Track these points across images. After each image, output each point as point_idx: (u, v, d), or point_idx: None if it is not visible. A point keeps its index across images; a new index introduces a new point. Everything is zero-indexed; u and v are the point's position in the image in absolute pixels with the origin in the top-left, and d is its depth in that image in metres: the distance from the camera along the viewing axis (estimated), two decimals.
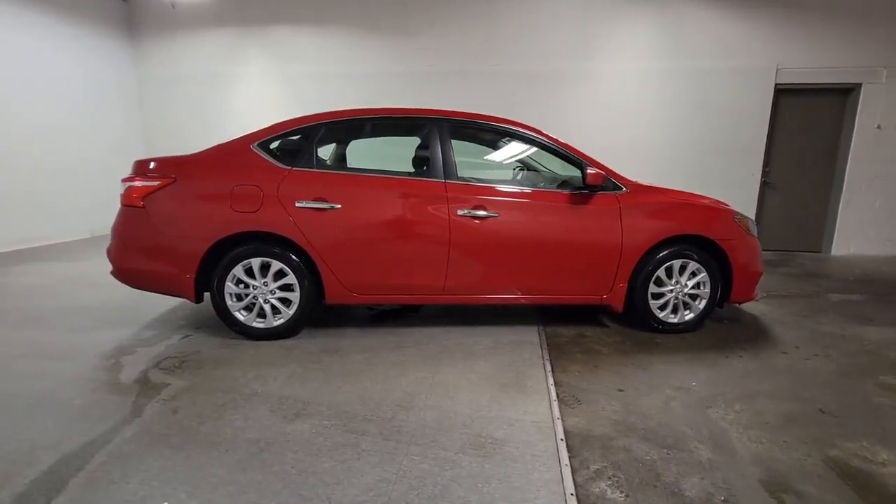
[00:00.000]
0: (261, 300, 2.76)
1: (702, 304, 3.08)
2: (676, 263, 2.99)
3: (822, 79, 5.81)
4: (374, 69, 6.45)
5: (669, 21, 5.88)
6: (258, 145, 2.78)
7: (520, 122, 3.05)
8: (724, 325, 3.29)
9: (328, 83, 6.56)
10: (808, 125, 6.06)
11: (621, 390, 2.31)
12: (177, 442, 1.80)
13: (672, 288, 3.03)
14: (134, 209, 2.68)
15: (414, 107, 3.04)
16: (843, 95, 5.92)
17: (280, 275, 2.74)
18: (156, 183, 2.66)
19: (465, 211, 2.78)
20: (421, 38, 6.32)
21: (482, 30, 6.20)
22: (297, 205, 2.68)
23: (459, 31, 6.24)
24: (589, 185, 2.81)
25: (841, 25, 5.66)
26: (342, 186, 2.75)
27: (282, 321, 2.80)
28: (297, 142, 2.86)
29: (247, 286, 2.74)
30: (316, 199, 2.70)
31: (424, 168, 2.90)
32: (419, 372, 2.45)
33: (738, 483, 1.64)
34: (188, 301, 2.80)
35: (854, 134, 5.86)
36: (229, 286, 2.72)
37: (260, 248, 2.69)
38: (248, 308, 2.78)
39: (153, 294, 2.97)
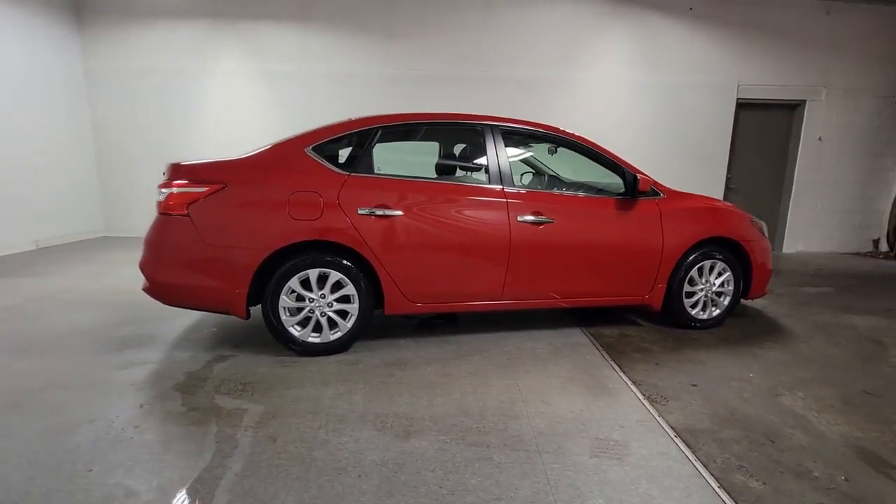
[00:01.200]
0: (317, 313, 2.60)
1: (726, 301, 3.32)
2: (707, 264, 3.21)
3: (774, 95, 6.50)
4: (361, 70, 6.29)
5: (648, 37, 6.29)
6: (313, 149, 2.62)
7: (565, 129, 3.13)
8: (738, 321, 3.57)
9: (311, 83, 6.30)
10: (763, 136, 6.74)
11: (694, 385, 2.44)
12: (298, 472, 1.65)
13: (703, 287, 3.24)
14: (176, 218, 2.42)
15: (465, 112, 3.00)
16: (792, 110, 6.67)
17: (337, 286, 2.60)
18: (203, 189, 2.42)
19: (525, 217, 2.81)
20: (410, 40, 6.26)
21: (471, 35, 6.27)
22: (359, 212, 2.56)
23: (449, 36, 6.26)
24: (639, 191, 2.94)
25: (790, 50, 6.37)
26: (403, 193, 2.66)
27: (339, 335, 2.65)
28: (353, 146, 2.73)
29: (302, 299, 2.57)
30: (378, 206, 2.59)
31: (480, 174, 2.88)
32: (501, 380, 2.43)
33: (844, 463, 1.80)
34: (197, 315, 2.57)
35: (800, 144, 6.61)
36: (284, 300, 2.53)
37: (319, 257, 2.53)
38: (302, 323, 2.61)
39: (152, 311, 2.70)
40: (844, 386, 2.49)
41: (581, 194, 3.04)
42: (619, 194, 3.08)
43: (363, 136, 2.72)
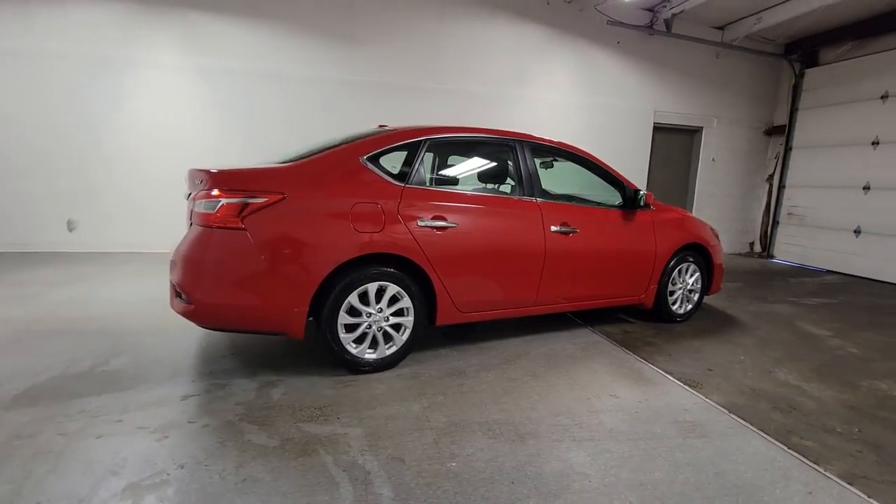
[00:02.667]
0: (374, 329, 2.51)
1: (696, 297, 3.91)
2: (684, 266, 3.75)
3: (680, 121, 7.67)
4: (314, 73, 6.02)
5: (585, 64, 7.01)
6: (367, 159, 2.54)
7: (578, 147, 3.43)
8: (698, 314, 4.19)
9: (257, 82, 5.84)
10: (672, 155, 7.90)
11: (710, 370, 2.87)
12: (452, 486, 1.64)
13: (681, 286, 3.78)
14: (228, 231, 2.17)
15: (500, 128, 3.13)
16: (692, 135, 7.93)
17: (392, 299, 2.55)
18: (262, 200, 2.21)
19: (556, 227, 3.03)
20: (367, 47, 6.17)
21: (428, 47, 6.38)
22: (419, 224, 2.54)
23: (407, 46, 6.30)
24: (644, 203, 3.36)
25: (692, 85, 7.59)
26: (455, 204, 2.71)
27: (394, 349, 2.59)
28: (404, 156, 2.70)
29: (358, 314, 2.47)
30: (434, 218, 2.60)
31: (516, 186, 3.04)
32: (560, 379, 2.60)
33: (850, 418, 2.31)
34: (183, 339, 2.37)
35: (699, 163, 7.89)
36: (343, 316, 2.41)
37: (379, 271, 2.46)
38: (358, 339, 2.50)
39: (121, 339, 2.47)
40: (808, 361, 3.12)
41: (594, 206, 3.36)
42: (617, 206, 3.47)
43: (413, 147, 2.71)
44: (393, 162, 2.68)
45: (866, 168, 6.48)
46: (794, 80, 7.60)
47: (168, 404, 2.13)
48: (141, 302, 3.62)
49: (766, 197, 8.19)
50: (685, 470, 1.81)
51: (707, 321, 3.96)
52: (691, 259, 3.79)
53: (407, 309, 2.59)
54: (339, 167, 2.48)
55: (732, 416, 2.27)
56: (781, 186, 7.82)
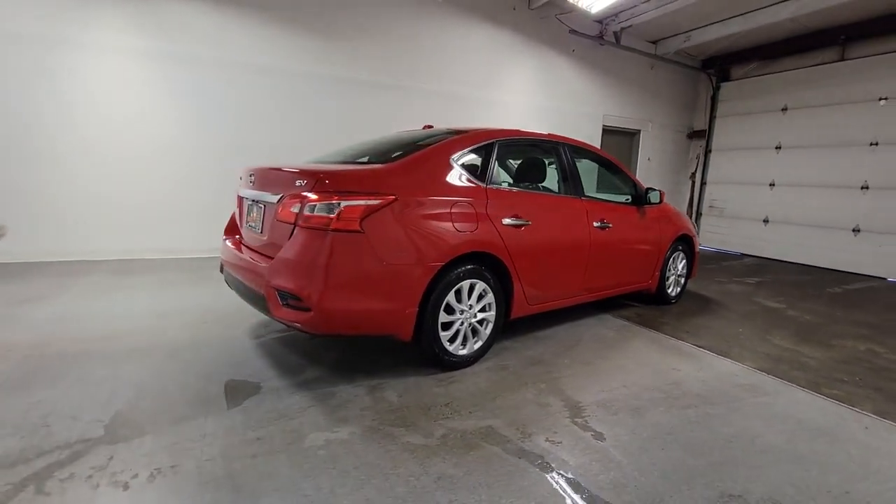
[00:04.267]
0: (465, 325, 2.60)
1: (682, 281, 4.50)
2: (676, 255, 4.30)
3: (622, 125, 8.52)
4: (291, 66, 5.71)
5: (545, 69, 7.47)
6: (455, 159, 2.59)
7: (600, 149, 3.76)
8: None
9: (228, 73, 5.39)
10: (617, 155, 8.71)
11: (726, 341, 3.37)
12: (627, 458, 1.83)
13: (674, 272, 4.32)
14: (347, 235, 2.11)
15: (548, 132, 3.33)
16: (632, 137, 8.84)
17: (479, 296, 2.65)
18: (378, 202, 2.18)
19: (597, 223, 3.33)
20: (345, 42, 5.98)
21: (406, 46, 6.37)
22: (503, 222, 2.67)
23: (384, 44, 6.22)
24: (659, 200, 3.79)
25: (632, 93, 8.46)
26: (527, 203, 2.87)
27: (479, 344, 2.70)
28: (481, 157, 2.78)
29: (452, 311, 2.53)
30: (514, 217, 2.74)
31: (565, 186, 3.27)
32: (624, 360, 2.91)
33: (846, 369, 2.90)
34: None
35: (638, 163, 8.84)
36: (441, 314, 2.46)
37: (472, 268, 2.55)
38: (451, 338, 2.57)
39: (181, 354, 2.31)
40: (785, 329, 3.79)
41: (618, 202, 3.72)
42: (631, 202, 3.88)
43: (488, 148, 2.81)
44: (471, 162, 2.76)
45: (772, 168, 7.80)
46: (711, 92, 8.84)
47: (295, 417, 2.04)
48: (142, 317, 3.25)
49: (690, 192, 9.42)
50: (776, 422, 2.19)
51: (691, 301, 4.57)
52: (681, 248, 4.35)
53: (490, 304, 2.70)
54: (436, 168, 2.51)
55: (771, 376, 2.75)
56: (703, 183, 9.06)
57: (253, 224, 2.60)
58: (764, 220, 7.89)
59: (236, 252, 2.62)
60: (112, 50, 4.88)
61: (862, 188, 6.66)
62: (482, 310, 2.67)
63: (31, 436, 1.81)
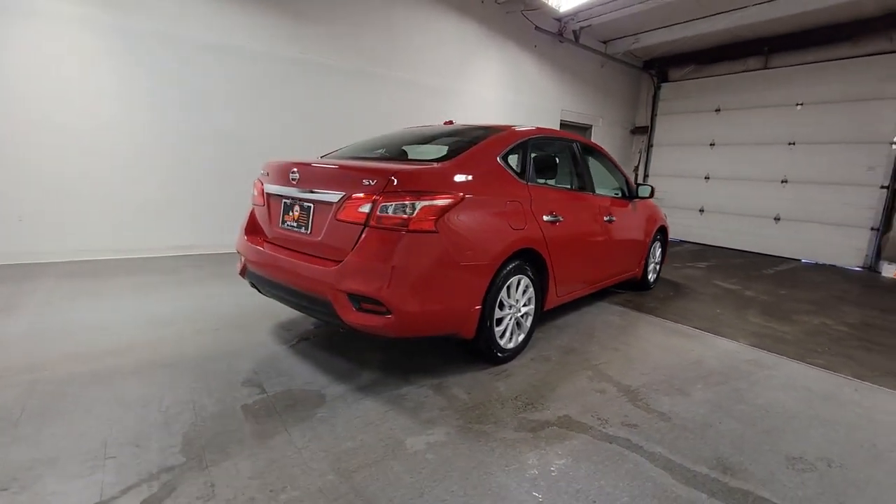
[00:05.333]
0: (513, 320, 2.67)
1: (658, 268, 4.92)
2: (656, 244, 4.69)
3: (577, 119, 8.97)
4: (260, 47, 5.31)
5: (510, 62, 7.64)
6: (501, 158, 2.62)
7: (597, 143, 3.97)
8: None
9: (185, 50, 4.87)
10: None
11: (713, 322, 3.77)
12: (705, 430, 2.03)
13: (653, 260, 4.72)
14: (423, 235, 2.08)
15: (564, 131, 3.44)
16: (584, 131, 9.34)
17: (524, 291, 2.73)
18: (450, 201, 2.16)
19: (606, 217, 3.54)
20: (319, 26, 5.67)
21: (379, 32, 6.18)
22: (544, 219, 2.76)
23: (357, 29, 5.99)
24: (651, 195, 4.10)
25: (586, 91, 8.91)
26: (559, 200, 2.99)
27: (521, 337, 2.79)
28: (518, 156, 2.82)
29: (503, 307, 2.59)
30: (550, 213, 2.85)
31: (581, 182, 3.43)
32: (645, 344, 3.16)
33: (824, 333, 3.40)
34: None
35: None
36: (496, 310, 2.51)
37: (520, 265, 2.62)
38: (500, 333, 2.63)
39: (218, 364, 2.23)
40: (752, 308, 4.31)
41: (615, 196, 3.96)
42: (625, 196, 4.16)
43: (524, 146, 2.87)
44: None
45: (706, 163, 8.67)
46: (653, 92, 9.58)
47: (381, 423, 2.00)
48: (141, 326, 2.95)
49: None
50: (790, 391, 2.54)
51: (663, 285, 5.02)
52: (659, 238, 4.75)
53: (530, 298, 2.80)
54: (489, 166, 2.53)
55: (765, 352, 3.15)
56: (646, 175, 9.84)
57: (294, 224, 2.45)
58: (700, 210, 8.78)
59: (274, 254, 2.45)
60: (47, 16, 4.22)
61: (782, 182, 7.66)
62: (524, 304, 2.76)
63: (101, 470, 1.61)
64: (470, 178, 2.38)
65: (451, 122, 3.47)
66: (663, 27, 7.87)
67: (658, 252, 4.79)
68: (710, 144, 8.61)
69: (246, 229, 2.78)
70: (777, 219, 7.73)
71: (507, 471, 1.72)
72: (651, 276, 4.74)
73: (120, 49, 4.52)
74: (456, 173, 2.35)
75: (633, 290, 4.64)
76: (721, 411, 2.27)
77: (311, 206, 2.35)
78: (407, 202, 2.08)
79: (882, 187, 6.64)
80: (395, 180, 2.11)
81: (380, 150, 2.99)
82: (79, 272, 4.04)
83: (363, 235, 2.11)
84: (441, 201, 2.15)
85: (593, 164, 4.04)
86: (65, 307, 3.17)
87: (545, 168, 2.95)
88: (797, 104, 7.43)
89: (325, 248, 2.26)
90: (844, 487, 1.75)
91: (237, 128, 5.26)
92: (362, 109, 6.14)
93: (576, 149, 3.48)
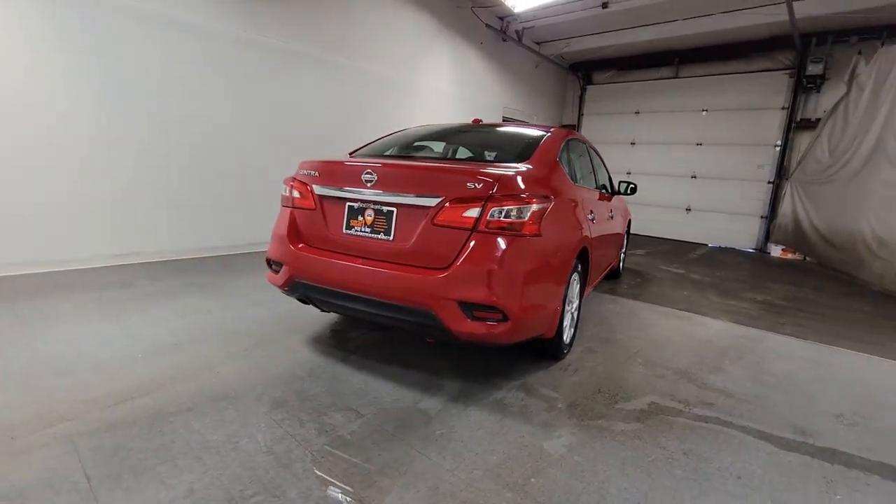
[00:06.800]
0: (570, 316, 2.77)
1: (623, 257, 5.41)
2: (625, 236, 5.16)
3: (516, 116, 9.36)
4: (213, 26, 4.66)
5: (460, 61, 7.68)
6: (559, 159, 2.67)
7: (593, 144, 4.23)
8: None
9: (119, 21, 4.11)
10: None
11: (690, 304, 4.27)
12: (765, 401, 2.33)
13: (623, 250, 5.18)
14: (531, 238, 2.07)
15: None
16: None
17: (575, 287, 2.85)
18: (547, 204, 2.16)
19: (608, 213, 3.81)
20: (275, 4, 5.14)
21: (338, 18, 5.79)
22: (588, 217, 2.89)
23: (316, 10, 5.55)
24: (630, 192, 4.47)
25: (523, 89, 9.32)
26: (592, 199, 3.14)
27: (572, 331, 2.90)
28: (564, 157, 2.88)
29: (565, 304, 2.68)
30: (590, 212, 2.98)
31: (594, 181, 3.63)
32: (655, 331, 3.48)
33: (791, 298, 4.04)
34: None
35: None
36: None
37: (577, 262, 2.71)
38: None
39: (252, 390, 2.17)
40: (709, 289, 4.96)
41: (607, 193, 4.26)
42: (610, 193, 4.50)
43: (567, 148, 2.95)
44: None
45: (628, 160, 9.64)
46: (579, 93, 10.34)
47: (505, 432, 1.96)
48: (159, 353, 2.52)
49: None
50: (792, 361, 3.01)
51: (624, 273, 5.54)
52: (629, 230, 5.22)
53: (576, 293, 2.92)
54: (555, 168, 2.56)
55: (746, 327, 3.67)
56: None
57: (367, 229, 2.25)
58: None
59: (344, 263, 2.23)
60: None
61: (692, 177, 8.84)
62: (575, 299, 2.88)
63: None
64: (549, 180, 2.40)
65: (479, 121, 3.44)
66: (594, 34, 8.53)
67: (625, 242, 5.26)
68: (632, 143, 9.59)
69: (289, 236, 2.47)
70: (688, 209, 8.91)
71: (652, 461, 1.82)
72: (621, 265, 5.19)
73: (43, 12, 3.65)
74: (540, 175, 2.36)
75: (607, 278, 5.05)
76: (758, 383, 2.62)
77: (394, 210, 2.18)
78: (519, 206, 2.04)
79: (769, 182, 8.03)
80: (502, 184, 2.06)
81: (422, 149, 2.87)
82: (6, 291, 3.23)
83: (472, 241, 2.02)
84: (542, 204, 2.15)
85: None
86: (22, 339, 2.53)
87: (579, 168, 3.08)
88: (703, 110, 8.61)
89: (418, 255, 2.12)
90: (883, 434, 2.16)
91: (177, 115, 4.55)
92: (319, 99, 5.73)
93: (588, 148, 3.68)
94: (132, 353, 2.45)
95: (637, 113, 9.48)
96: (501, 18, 8.22)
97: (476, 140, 3.12)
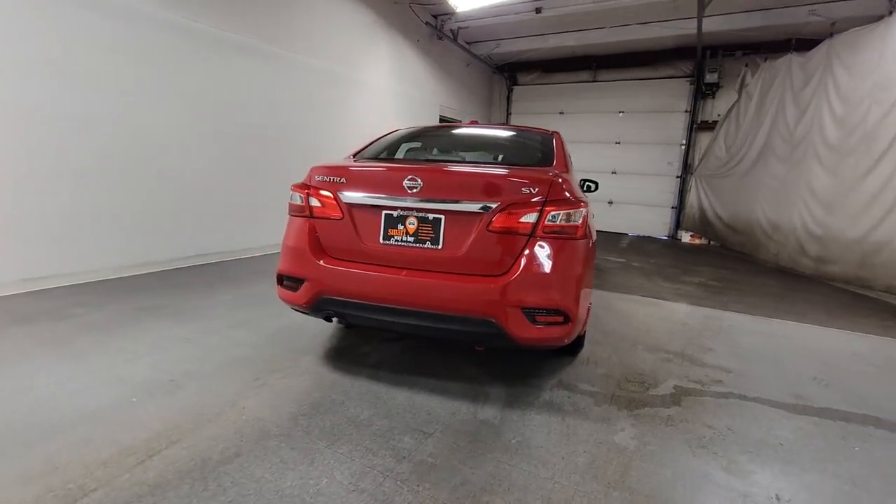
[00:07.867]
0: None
1: None
2: None
3: (451, 115, 9.43)
4: (135, 5, 4.02)
5: (398, 57, 7.53)
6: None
7: None
8: None
9: (34, 5, 3.39)
10: None
11: (650, 292, 4.70)
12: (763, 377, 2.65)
13: None
14: (581, 241, 2.13)
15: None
16: None
17: None
18: (586, 207, 2.22)
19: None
20: None
21: (281, 10, 5.34)
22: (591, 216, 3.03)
23: (256, 4, 5.05)
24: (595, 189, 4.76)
25: (457, 87, 9.42)
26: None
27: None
28: None
29: None
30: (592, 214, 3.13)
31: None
32: (639, 319, 3.77)
33: (717, 291, 4.61)
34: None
35: None
36: None
37: None
38: None
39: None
40: (654, 276, 5.48)
41: None
42: None
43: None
44: None
45: None
46: (506, 93, 10.72)
47: (576, 433, 1.99)
48: (166, 393, 2.17)
49: None
50: (758, 336, 3.44)
51: None
52: None
53: None
54: (571, 171, 2.63)
55: (703, 307, 4.14)
56: None
57: (410, 238, 2.12)
58: None
59: (388, 275, 2.09)
60: None
61: (612, 173, 9.67)
62: None
63: None
64: (573, 183, 2.48)
65: (475, 122, 3.40)
66: (523, 37, 8.90)
67: None
68: None
69: (311, 249, 2.24)
70: (610, 202, 9.75)
71: (710, 440, 1.98)
72: None
73: None
74: (570, 179, 2.42)
75: None
76: (740, 358, 2.97)
77: (442, 217, 2.09)
78: (572, 210, 2.08)
79: (677, 177, 9.09)
80: (554, 188, 2.08)
81: (449, 152, 2.79)
82: None
83: (531, 246, 2.02)
84: (587, 208, 2.22)
85: None
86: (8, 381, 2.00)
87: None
88: (620, 112, 9.46)
89: (472, 262, 2.06)
90: (851, 391, 2.58)
91: (98, 110, 3.90)
92: (257, 92, 5.24)
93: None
94: (122, 398, 2.06)
95: (561, 113, 10.11)
96: (436, 17, 8.21)
97: (494, 143, 3.09)
